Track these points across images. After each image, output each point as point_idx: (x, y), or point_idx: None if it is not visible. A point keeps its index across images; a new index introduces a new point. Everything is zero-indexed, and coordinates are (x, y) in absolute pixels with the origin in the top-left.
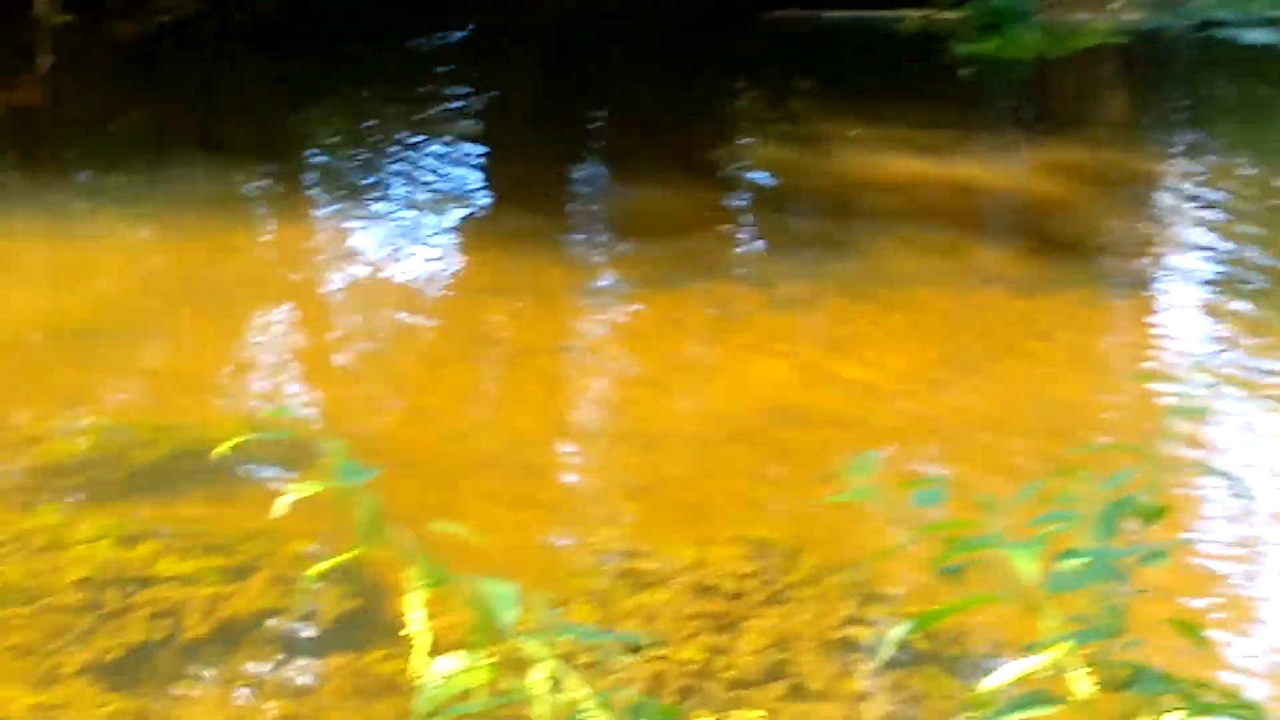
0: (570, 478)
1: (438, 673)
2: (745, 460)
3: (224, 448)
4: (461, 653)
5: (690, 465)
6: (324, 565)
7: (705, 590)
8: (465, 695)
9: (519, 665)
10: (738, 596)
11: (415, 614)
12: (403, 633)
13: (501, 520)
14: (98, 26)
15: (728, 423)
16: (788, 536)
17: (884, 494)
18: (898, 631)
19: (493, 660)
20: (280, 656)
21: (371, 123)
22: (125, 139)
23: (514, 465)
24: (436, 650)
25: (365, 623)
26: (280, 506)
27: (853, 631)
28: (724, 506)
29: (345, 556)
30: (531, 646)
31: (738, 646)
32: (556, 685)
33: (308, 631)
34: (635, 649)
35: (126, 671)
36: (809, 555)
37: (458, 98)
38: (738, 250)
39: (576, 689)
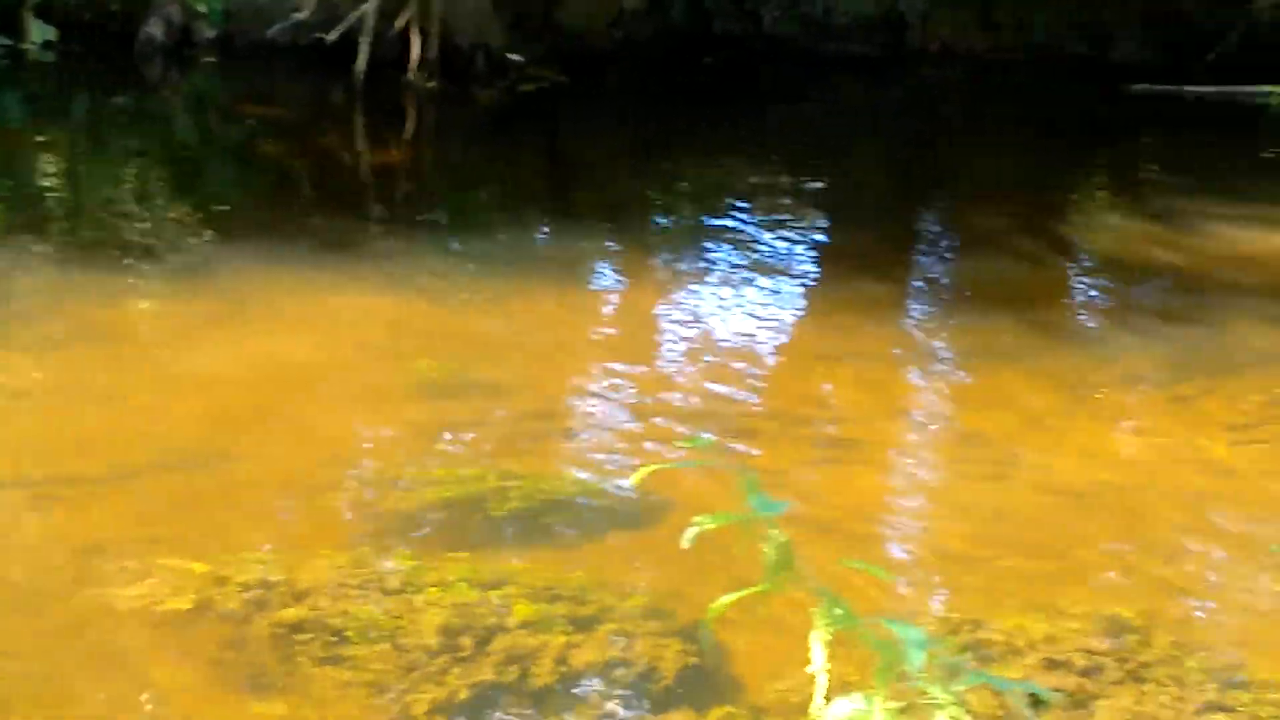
0: (904, 547)
1: (836, 714)
2: (1096, 535)
3: (638, 475)
4: (860, 694)
5: (1037, 536)
6: (726, 600)
7: (1056, 665)
8: None
9: (920, 711)
10: (1090, 673)
11: (818, 653)
12: (746, 691)
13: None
14: (463, 94)
15: (1076, 497)
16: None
17: None
18: None
19: (893, 704)
20: (622, 710)
21: (712, 186)
22: (475, 199)
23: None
24: (834, 691)
25: (706, 680)
26: (688, 537)
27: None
28: (1074, 581)
29: (748, 591)
30: (935, 692)
31: None
32: None
33: (651, 685)
34: (1039, 703)
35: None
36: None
37: (806, 164)
38: (1086, 323)
39: None
